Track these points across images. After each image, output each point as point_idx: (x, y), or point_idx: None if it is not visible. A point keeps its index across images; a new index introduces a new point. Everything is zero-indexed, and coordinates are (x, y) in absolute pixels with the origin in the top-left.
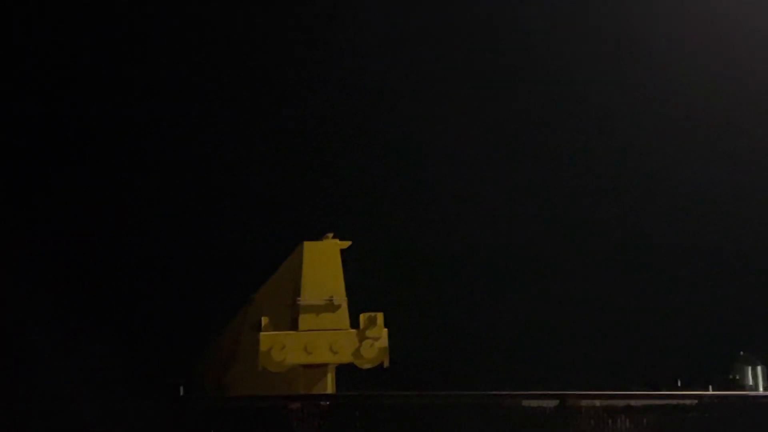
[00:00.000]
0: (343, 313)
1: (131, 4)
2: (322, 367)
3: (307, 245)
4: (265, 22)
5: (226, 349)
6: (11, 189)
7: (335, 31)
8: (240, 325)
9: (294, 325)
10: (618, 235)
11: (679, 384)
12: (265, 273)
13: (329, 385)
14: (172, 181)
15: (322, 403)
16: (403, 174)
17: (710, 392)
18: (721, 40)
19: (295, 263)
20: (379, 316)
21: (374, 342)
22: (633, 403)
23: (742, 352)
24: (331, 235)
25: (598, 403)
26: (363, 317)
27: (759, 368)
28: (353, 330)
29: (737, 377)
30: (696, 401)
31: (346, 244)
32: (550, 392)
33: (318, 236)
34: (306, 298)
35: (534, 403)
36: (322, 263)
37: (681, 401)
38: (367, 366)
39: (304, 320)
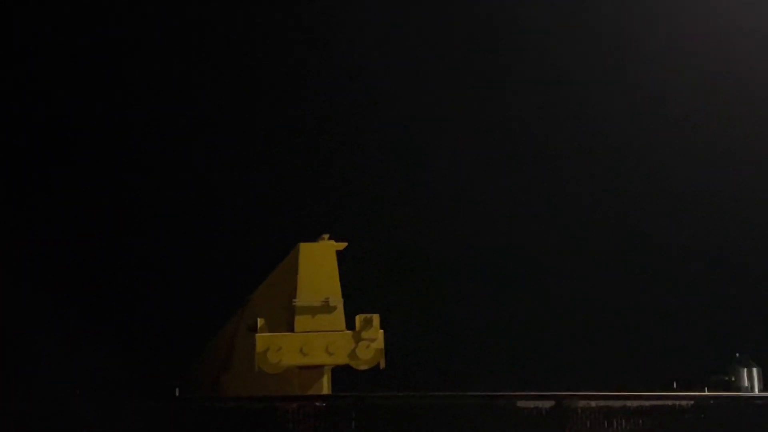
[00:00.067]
0: (339, 314)
1: (131, 4)
2: (318, 368)
3: (303, 247)
4: (262, 25)
5: (222, 350)
6: (7, 189)
7: (332, 35)
8: (236, 326)
9: (290, 327)
10: (614, 237)
11: (675, 386)
12: (261, 274)
13: (325, 387)
14: (167, 183)
15: (317, 404)
16: (399, 175)
17: (706, 393)
18: (721, 40)
19: (291, 265)
20: (375, 318)
21: (370, 343)
22: (629, 403)
23: (737, 354)
24: (326, 236)
25: (593, 404)
26: (359, 319)
27: (754, 370)
28: (349, 331)
29: (733, 379)
30: (692, 402)
31: (342, 245)
32: (546, 393)
33: (314, 238)
34: (302, 299)
35: (530, 403)
36: (318, 265)
37: (677, 402)
38: (363, 367)
39: (300, 322)
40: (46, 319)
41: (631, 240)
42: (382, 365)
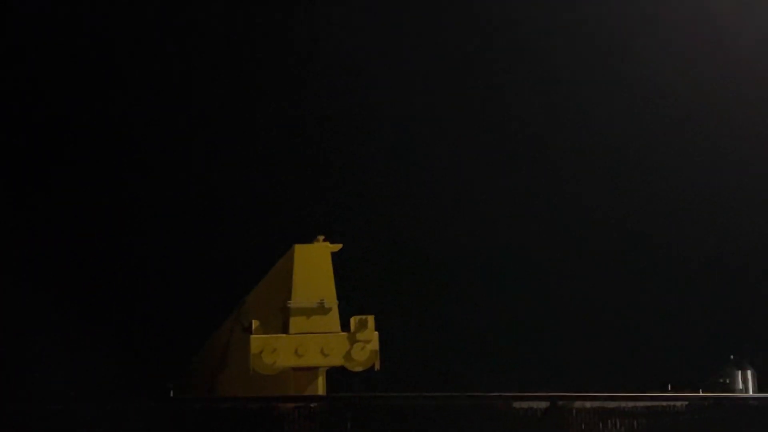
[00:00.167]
0: (334, 316)
1: (131, 3)
2: (313, 370)
3: (298, 248)
4: (257, 27)
5: (217, 352)
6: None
7: (328, 36)
8: (231, 327)
9: (285, 328)
10: (610, 239)
11: (669, 388)
12: (256, 276)
13: (320, 389)
14: (163, 184)
15: (313, 404)
16: (395, 177)
17: (701, 394)
18: (721, 41)
19: (286, 266)
20: (370, 319)
21: (365, 345)
22: (624, 404)
23: (732, 356)
24: (322, 237)
25: (588, 404)
26: (354, 320)
27: (749, 372)
28: (344, 333)
29: (727, 381)
30: (687, 403)
31: (337, 247)
32: (540, 394)
33: (309, 239)
34: (297, 301)
35: (525, 404)
36: (313, 266)
37: (672, 403)
38: (358, 369)
39: (295, 323)
40: (42, 319)
41: (626, 242)
42: (377, 367)
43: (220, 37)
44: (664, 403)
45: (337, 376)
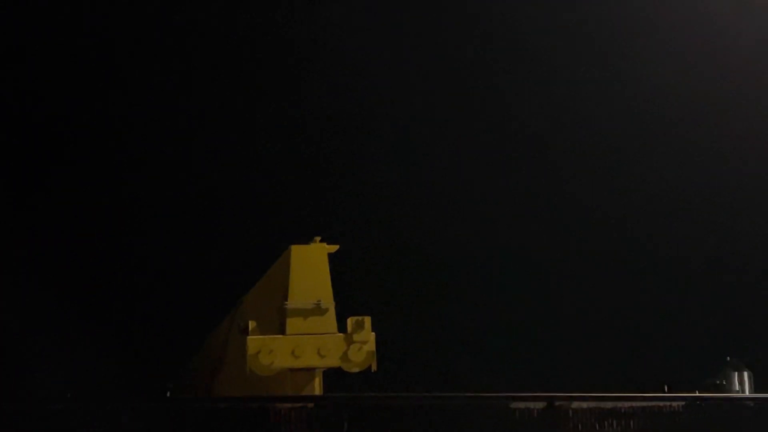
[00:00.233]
0: (331, 316)
1: (131, 3)
2: (310, 371)
3: (295, 249)
4: (257, 26)
5: (214, 353)
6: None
7: (328, 36)
8: (228, 328)
9: (282, 329)
10: (607, 240)
11: (666, 389)
12: (253, 277)
13: (317, 390)
14: (160, 185)
15: (310, 404)
16: (391, 177)
17: (698, 395)
18: (720, 43)
19: (283, 267)
20: (367, 320)
21: (362, 346)
22: (621, 405)
23: (729, 358)
24: (318, 238)
25: (585, 405)
26: (350, 321)
27: (745, 374)
28: (341, 334)
29: (724, 383)
30: (684, 403)
31: (334, 247)
32: (538, 394)
33: (306, 240)
34: (293, 301)
35: (522, 404)
36: (310, 267)
37: (669, 403)
38: (354, 370)
39: (292, 324)
40: (38, 320)
41: (624, 243)
42: (374, 368)
43: (219, 37)
44: (661, 404)
45: (334, 376)
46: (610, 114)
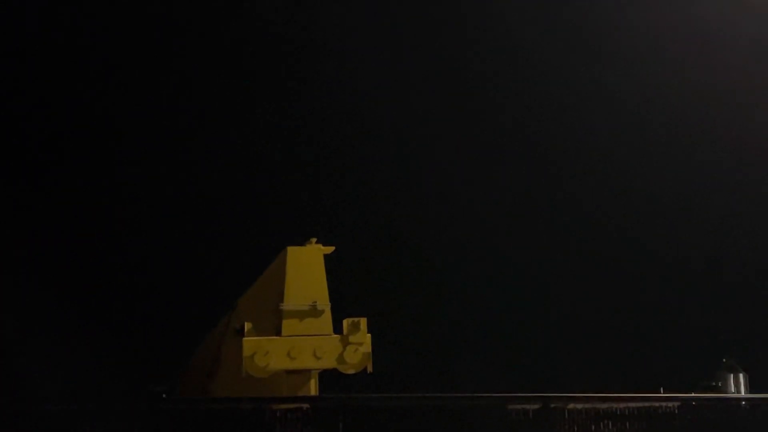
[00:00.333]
0: (327, 318)
1: (131, 3)
2: (306, 372)
3: (291, 250)
4: (250, 29)
5: (210, 355)
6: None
7: (321, 38)
8: (224, 330)
9: (277, 331)
10: (604, 242)
11: (662, 391)
12: (249, 278)
13: (313, 391)
14: (157, 187)
15: (305, 405)
16: (387, 179)
17: (693, 395)
18: (720, 44)
19: (279, 268)
20: (363, 322)
21: (358, 347)
22: (616, 405)
23: (724, 360)
24: (314, 240)
25: (581, 405)
26: (346, 322)
27: (741, 375)
28: (337, 335)
29: (719, 384)
30: (678, 404)
31: (330, 249)
32: (534, 395)
33: (302, 241)
34: (289, 303)
35: (518, 405)
36: (306, 268)
37: (664, 404)
38: (350, 371)
39: (288, 325)
40: (34, 322)
41: (620, 246)
42: (370, 369)
43: (217, 37)
44: (656, 404)
45: (331, 376)
46: (610, 114)
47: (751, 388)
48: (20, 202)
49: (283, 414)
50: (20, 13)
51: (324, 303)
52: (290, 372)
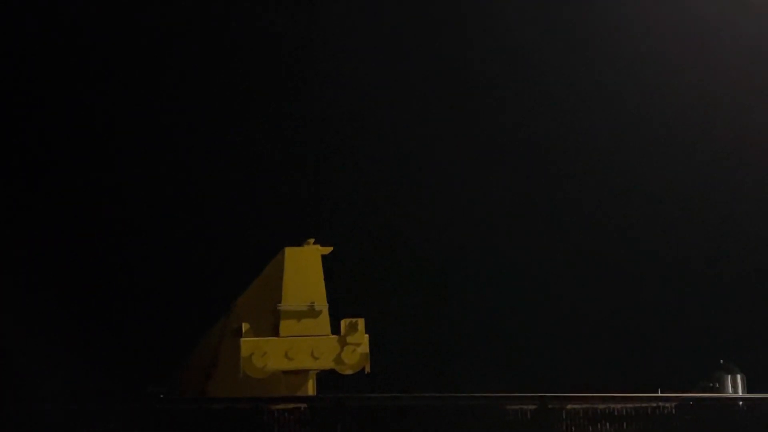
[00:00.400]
0: (324, 318)
1: (131, 3)
2: (303, 373)
3: (289, 251)
4: (249, 29)
5: (207, 355)
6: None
7: (320, 39)
8: (221, 331)
9: (275, 331)
10: (603, 242)
11: (659, 392)
12: (246, 279)
13: (310, 391)
14: (154, 187)
15: (303, 405)
16: (385, 180)
17: (690, 395)
18: (720, 44)
19: (277, 269)
20: (360, 322)
21: (355, 348)
22: (614, 405)
23: (722, 361)
24: (312, 240)
25: (579, 406)
26: (344, 323)
27: (738, 376)
28: (334, 336)
29: (717, 385)
30: (676, 404)
31: (328, 250)
32: (531, 395)
33: (300, 242)
34: (287, 303)
35: (516, 405)
36: (304, 269)
37: (661, 404)
38: (348, 372)
39: (285, 326)
40: (34, 322)
41: (618, 246)
42: (368, 369)
43: (216, 37)
44: (654, 404)
45: (328, 376)
46: (610, 114)
47: (748, 389)
48: (20, 202)
49: (281, 414)
50: (20, 13)
51: (322, 303)
52: (288, 372)
